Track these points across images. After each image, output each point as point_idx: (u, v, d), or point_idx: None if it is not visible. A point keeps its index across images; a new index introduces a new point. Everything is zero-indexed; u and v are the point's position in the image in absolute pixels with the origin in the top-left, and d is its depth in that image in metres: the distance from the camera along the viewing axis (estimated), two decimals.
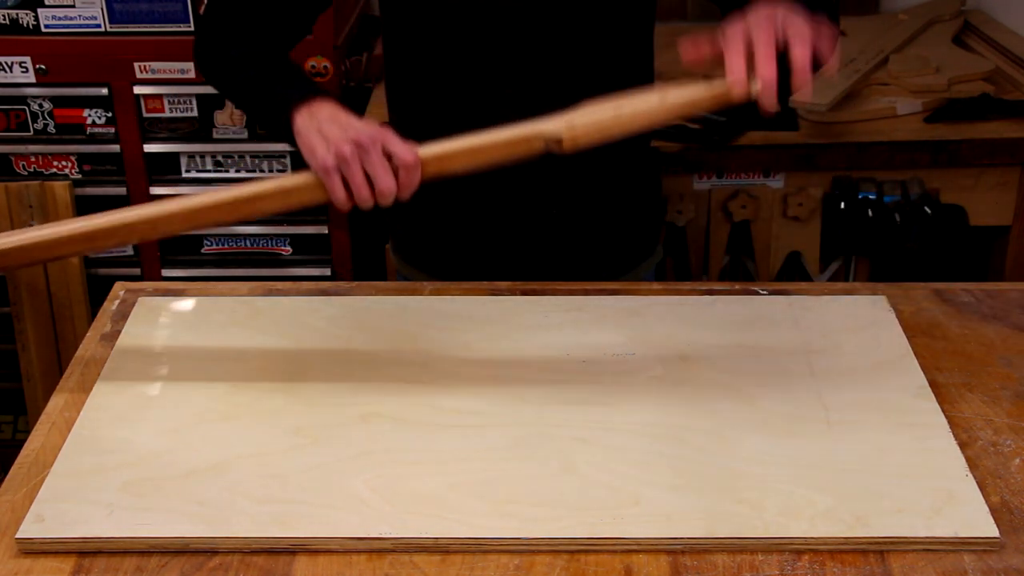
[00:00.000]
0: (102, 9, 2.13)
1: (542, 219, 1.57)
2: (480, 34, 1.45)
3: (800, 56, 1.01)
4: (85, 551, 1.09)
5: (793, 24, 1.03)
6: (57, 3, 2.12)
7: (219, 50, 1.47)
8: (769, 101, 1.00)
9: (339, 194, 1.19)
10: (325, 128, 1.21)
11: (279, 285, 1.53)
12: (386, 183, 1.18)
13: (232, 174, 2.25)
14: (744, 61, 1.00)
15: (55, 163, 2.24)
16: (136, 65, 2.15)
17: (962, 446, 1.20)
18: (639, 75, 1.55)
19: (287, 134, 1.30)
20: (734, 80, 1.00)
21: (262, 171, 2.25)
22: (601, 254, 1.62)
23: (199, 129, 2.22)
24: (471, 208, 1.58)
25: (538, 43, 1.45)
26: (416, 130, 1.50)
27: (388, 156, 1.19)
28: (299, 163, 2.26)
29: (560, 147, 1.14)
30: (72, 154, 2.24)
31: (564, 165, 1.51)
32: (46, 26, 2.14)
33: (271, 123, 1.37)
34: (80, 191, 2.25)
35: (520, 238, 1.58)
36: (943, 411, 1.25)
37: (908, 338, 1.38)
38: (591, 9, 1.45)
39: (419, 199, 1.54)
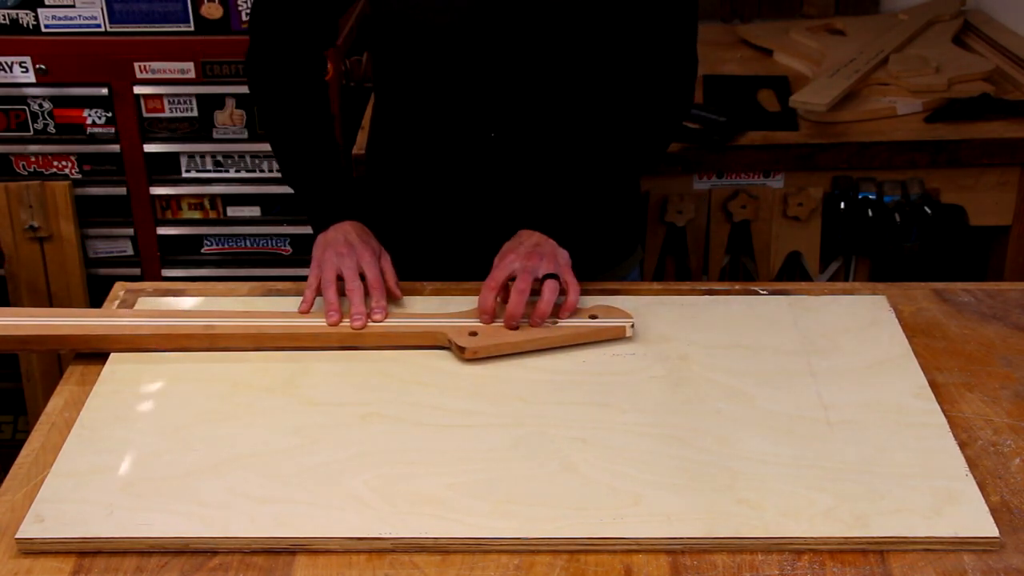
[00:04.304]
0: (102, 9, 2.13)
1: (518, 222, 1.57)
2: (460, 64, 1.48)
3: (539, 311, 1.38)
4: (85, 551, 1.09)
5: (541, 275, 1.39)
6: (57, 3, 2.12)
7: (267, 68, 1.55)
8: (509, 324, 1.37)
9: (302, 307, 1.43)
10: (330, 251, 1.45)
11: (279, 285, 1.54)
12: (357, 308, 1.40)
13: (232, 174, 2.25)
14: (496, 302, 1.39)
15: (55, 163, 2.24)
16: (136, 65, 2.15)
17: (962, 446, 1.20)
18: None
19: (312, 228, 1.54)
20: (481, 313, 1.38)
21: (262, 171, 2.25)
22: (577, 255, 1.61)
23: (199, 129, 2.22)
24: (442, 211, 1.60)
25: (520, 74, 1.49)
26: (399, 152, 1.54)
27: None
28: None
29: (462, 354, 1.34)
30: (72, 154, 2.24)
31: (539, 169, 1.52)
32: (46, 26, 2.14)
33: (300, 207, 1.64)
34: (80, 191, 2.25)
35: (483, 239, 1.58)
36: (943, 411, 1.26)
37: (908, 338, 1.38)
38: (570, 37, 1.48)
39: (388, 205, 1.57)
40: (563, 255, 1.43)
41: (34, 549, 1.09)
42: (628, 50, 1.53)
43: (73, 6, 2.13)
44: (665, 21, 1.50)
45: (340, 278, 1.42)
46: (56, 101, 2.20)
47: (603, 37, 1.52)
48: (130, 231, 2.30)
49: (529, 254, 1.40)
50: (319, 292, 1.43)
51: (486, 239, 1.57)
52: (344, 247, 1.44)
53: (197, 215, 2.29)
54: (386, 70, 1.58)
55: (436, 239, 1.62)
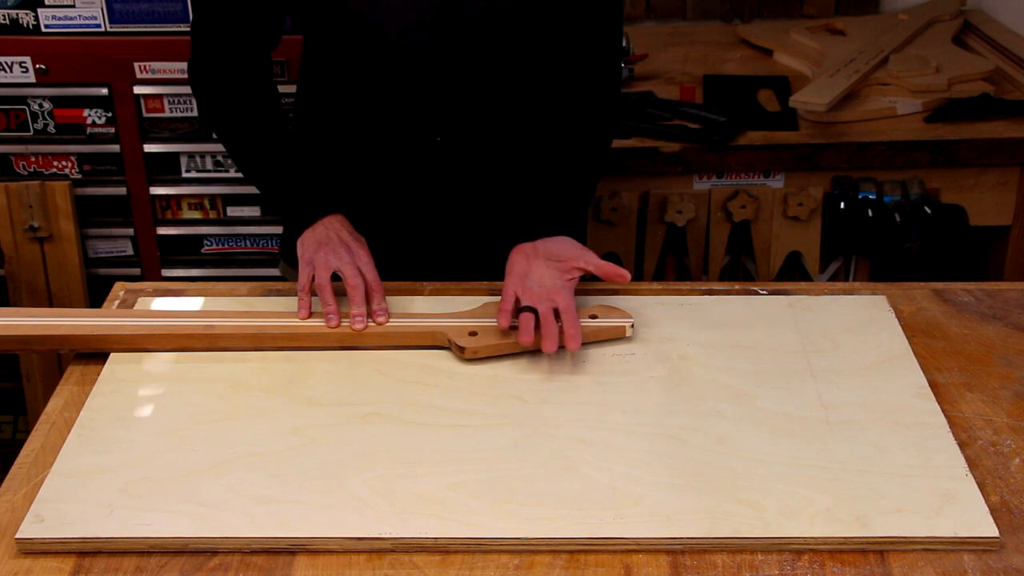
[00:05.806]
0: (102, 9, 2.13)
1: (453, 225, 1.57)
2: (404, 67, 1.47)
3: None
4: (85, 551, 1.09)
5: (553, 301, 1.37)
6: (57, 3, 2.12)
7: (212, 74, 1.51)
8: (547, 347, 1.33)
9: (301, 314, 1.41)
10: (324, 251, 1.42)
11: (279, 285, 1.54)
12: (359, 308, 1.39)
13: (232, 174, 2.25)
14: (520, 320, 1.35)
15: (55, 163, 2.24)
16: (136, 65, 2.15)
17: (962, 446, 1.20)
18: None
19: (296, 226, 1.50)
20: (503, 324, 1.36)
21: None
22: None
23: (199, 129, 2.22)
24: (382, 213, 1.58)
25: (464, 77, 1.48)
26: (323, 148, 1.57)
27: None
28: None
29: (461, 354, 1.34)
30: (72, 154, 2.24)
31: (486, 172, 1.51)
32: (46, 26, 2.14)
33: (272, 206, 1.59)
34: (80, 191, 2.25)
35: (433, 243, 1.59)
36: (943, 411, 1.26)
37: (908, 338, 1.38)
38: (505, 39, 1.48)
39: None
40: (570, 301, 1.38)
41: (34, 549, 1.09)
42: (561, 53, 1.53)
43: (73, 6, 2.13)
44: (592, 26, 1.50)
45: (333, 277, 1.41)
46: (56, 101, 2.20)
47: (543, 40, 1.51)
48: (130, 231, 2.30)
49: (559, 289, 1.37)
50: (313, 292, 1.42)
51: (432, 242, 1.57)
52: (339, 246, 1.42)
53: (197, 215, 2.30)
54: (323, 73, 1.54)
55: (383, 243, 1.60)
